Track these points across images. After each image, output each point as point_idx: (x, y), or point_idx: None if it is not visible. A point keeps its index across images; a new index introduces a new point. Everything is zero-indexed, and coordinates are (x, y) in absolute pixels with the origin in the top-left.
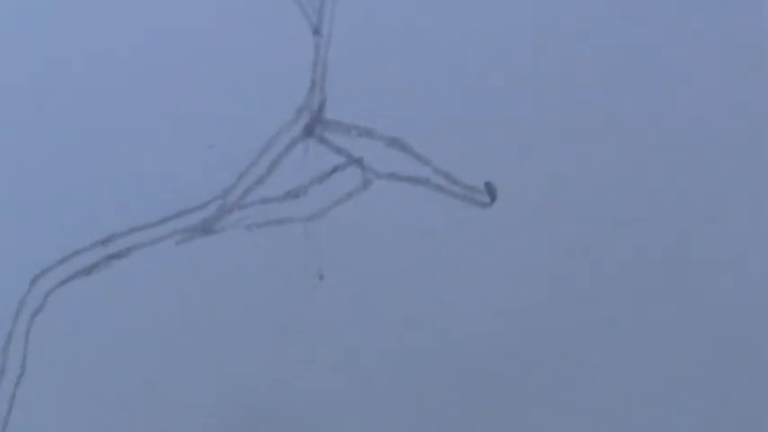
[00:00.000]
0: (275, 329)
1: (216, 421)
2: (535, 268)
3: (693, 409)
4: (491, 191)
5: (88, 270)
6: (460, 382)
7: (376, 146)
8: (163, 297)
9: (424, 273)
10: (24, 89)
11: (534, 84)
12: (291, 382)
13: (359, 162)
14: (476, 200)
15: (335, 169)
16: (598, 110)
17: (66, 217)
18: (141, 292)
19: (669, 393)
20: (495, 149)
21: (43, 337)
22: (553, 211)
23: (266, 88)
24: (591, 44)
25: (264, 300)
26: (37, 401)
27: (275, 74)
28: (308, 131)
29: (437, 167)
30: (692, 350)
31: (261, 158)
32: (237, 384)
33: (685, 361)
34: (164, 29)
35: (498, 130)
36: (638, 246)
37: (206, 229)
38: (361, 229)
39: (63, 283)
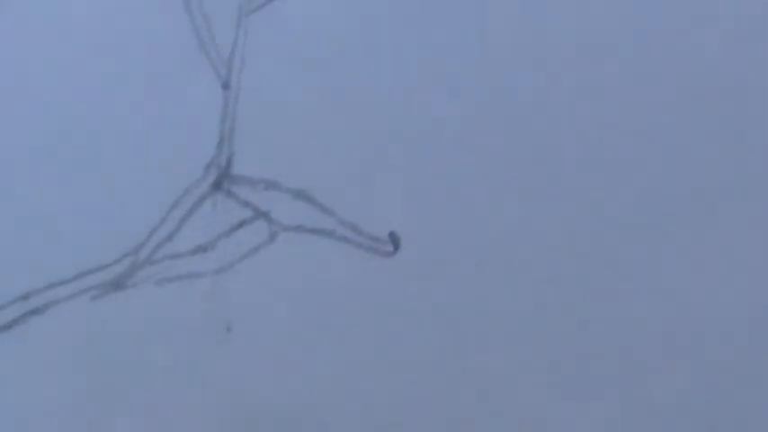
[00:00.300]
0: (185, 382)
1: None
2: (438, 317)
3: None
4: (395, 240)
5: (7, 326)
6: None
7: (282, 199)
8: (78, 352)
9: (330, 324)
10: None
11: (435, 134)
12: None
13: (265, 215)
14: (380, 250)
15: (243, 223)
16: (499, 157)
17: None
18: (58, 348)
19: None
20: (398, 199)
21: None
22: (457, 260)
23: (176, 144)
24: (487, 92)
25: (174, 353)
26: None
27: (185, 129)
28: (217, 186)
29: (342, 219)
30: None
31: (170, 214)
32: None
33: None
34: (73, 84)
35: (401, 180)
36: (540, 291)
37: (118, 284)
38: (268, 282)
39: None
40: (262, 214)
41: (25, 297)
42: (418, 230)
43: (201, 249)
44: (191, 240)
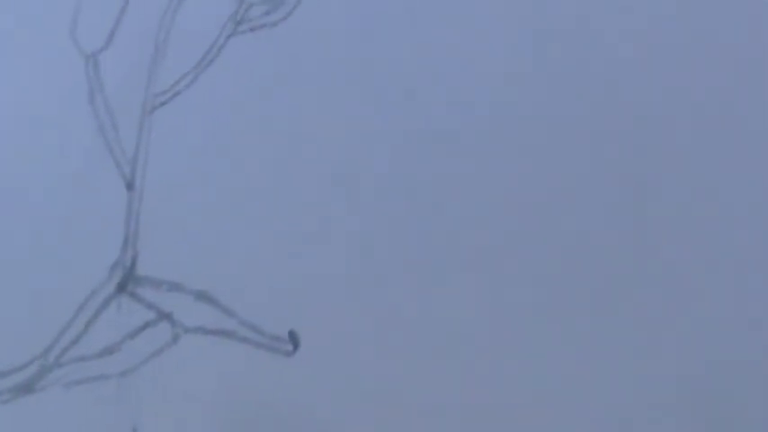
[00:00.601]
0: None
1: None
2: (339, 414)
3: None
4: (294, 339)
5: None
6: None
7: (185, 300)
8: None
9: (233, 423)
10: None
11: (333, 234)
12: None
13: (168, 317)
14: (280, 349)
15: (146, 325)
16: (398, 253)
17: None
18: None
19: None
20: (298, 298)
21: None
22: (358, 358)
23: (81, 245)
24: (381, 180)
25: None
26: None
27: (90, 230)
28: (122, 288)
29: (243, 319)
30: None
31: (77, 317)
32: None
33: None
34: None
35: (300, 278)
36: (448, 389)
37: (28, 388)
38: (172, 383)
39: None
40: (164, 316)
41: None
42: (318, 329)
43: (107, 352)
44: (97, 343)
